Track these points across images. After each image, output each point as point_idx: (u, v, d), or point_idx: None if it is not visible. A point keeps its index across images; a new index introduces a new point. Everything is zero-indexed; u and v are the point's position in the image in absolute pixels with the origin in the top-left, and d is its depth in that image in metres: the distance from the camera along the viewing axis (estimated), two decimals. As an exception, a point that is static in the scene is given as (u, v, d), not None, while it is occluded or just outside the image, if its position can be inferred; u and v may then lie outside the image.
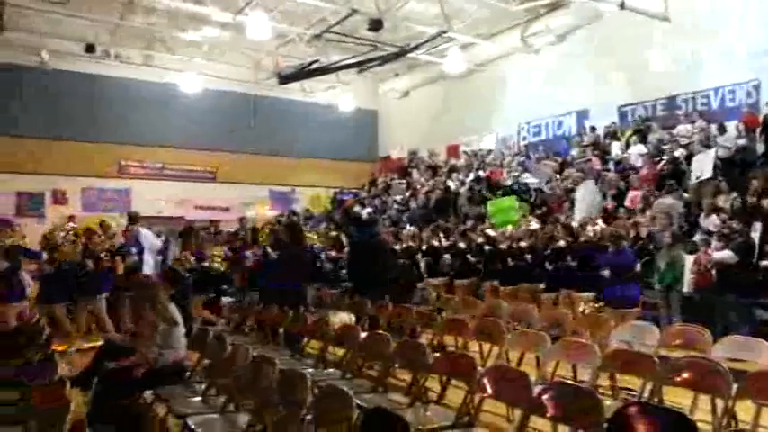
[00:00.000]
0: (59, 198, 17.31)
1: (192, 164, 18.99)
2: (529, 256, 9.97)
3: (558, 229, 9.87)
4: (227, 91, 18.88)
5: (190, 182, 18.88)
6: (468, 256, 11.20)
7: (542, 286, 9.39)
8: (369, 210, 8.97)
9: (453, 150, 18.48)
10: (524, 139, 16.56)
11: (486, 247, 10.95)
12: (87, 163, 17.25)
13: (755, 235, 8.12)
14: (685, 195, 10.37)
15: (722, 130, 11.30)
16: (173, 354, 4.89)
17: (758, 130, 10.90)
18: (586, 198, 11.40)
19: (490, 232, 11.46)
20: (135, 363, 4.80)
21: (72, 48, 16.13)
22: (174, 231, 11.73)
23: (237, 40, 16.19)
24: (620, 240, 8.04)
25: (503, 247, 10.63)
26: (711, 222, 9.00)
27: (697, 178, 10.37)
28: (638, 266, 8.06)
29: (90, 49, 15.87)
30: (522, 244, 10.30)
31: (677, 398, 3.90)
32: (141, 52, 17.28)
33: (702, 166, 10.41)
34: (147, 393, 4.52)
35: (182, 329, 5.03)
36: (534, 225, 10.88)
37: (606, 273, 7.78)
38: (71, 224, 12.39)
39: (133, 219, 10.05)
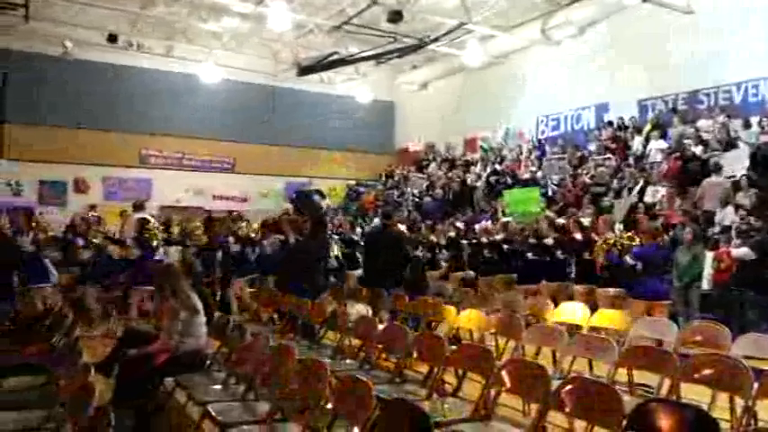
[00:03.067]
0: (81, 187, 17.56)
1: (211, 154, 19.15)
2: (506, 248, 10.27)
3: (544, 226, 9.93)
4: (247, 82, 18.98)
5: (209, 172, 19.05)
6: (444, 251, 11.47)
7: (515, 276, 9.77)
8: (327, 201, 9.00)
9: (471, 143, 18.41)
10: (542, 132, 16.45)
11: (464, 241, 11.19)
12: (108, 152, 17.46)
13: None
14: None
15: (747, 125, 11.14)
16: (193, 342, 4.96)
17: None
18: None
19: (459, 225, 11.90)
20: (156, 350, 4.88)
21: (95, 38, 16.32)
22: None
23: (257, 30, 16.27)
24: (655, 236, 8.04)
25: (483, 240, 10.89)
26: (727, 217, 8.94)
27: (728, 177, 10.22)
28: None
29: (112, 39, 16.03)
30: (498, 237, 10.62)
31: (695, 395, 3.88)
32: (162, 42, 17.42)
33: (734, 164, 10.31)
34: (168, 381, 4.60)
35: (202, 318, 5.10)
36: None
37: (639, 265, 7.80)
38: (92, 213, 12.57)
39: (138, 207, 10.17)
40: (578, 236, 9.12)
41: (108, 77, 17.28)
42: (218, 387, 4.43)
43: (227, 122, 18.84)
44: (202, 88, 18.16)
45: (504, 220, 11.57)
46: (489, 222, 11.96)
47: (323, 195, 8.75)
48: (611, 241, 8.33)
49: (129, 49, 16.92)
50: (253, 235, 10.61)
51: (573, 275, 9.09)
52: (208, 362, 5.01)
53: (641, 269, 7.71)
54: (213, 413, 3.77)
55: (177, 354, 4.85)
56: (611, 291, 8.04)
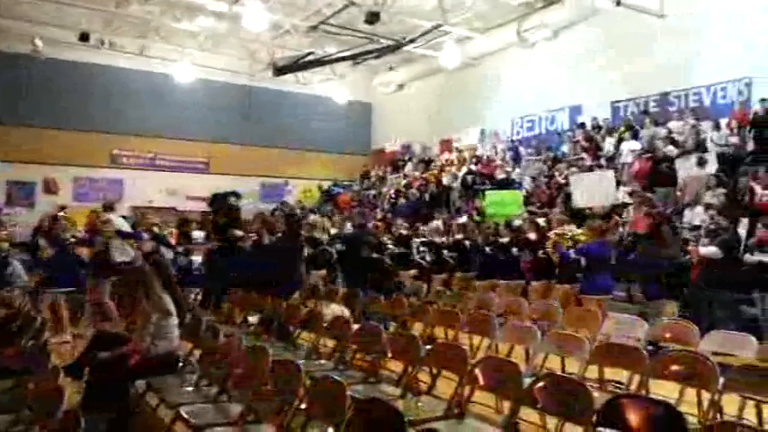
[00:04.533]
0: (51, 187, 17.25)
1: (184, 154, 18.96)
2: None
3: (502, 228, 10.30)
4: (222, 81, 18.85)
5: (183, 172, 18.85)
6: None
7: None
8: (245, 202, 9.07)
9: (446, 144, 18.51)
10: (518, 133, 16.61)
11: (417, 240, 11.37)
12: (79, 152, 17.18)
13: (742, 231, 8.21)
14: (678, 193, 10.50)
15: (717, 127, 11.39)
16: (166, 344, 4.90)
17: (748, 128, 11.02)
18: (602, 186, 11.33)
19: (406, 225, 12.20)
20: (127, 353, 4.81)
21: (66, 36, 16.03)
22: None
23: (233, 30, 16.14)
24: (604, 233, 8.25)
25: (435, 239, 11.19)
26: (697, 217, 9.16)
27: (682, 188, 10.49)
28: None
29: (84, 37, 15.76)
30: (459, 236, 10.87)
31: (664, 391, 3.96)
32: (136, 42, 17.19)
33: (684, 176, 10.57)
34: (140, 383, 4.54)
35: (175, 320, 5.04)
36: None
37: (582, 261, 7.94)
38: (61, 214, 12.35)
39: (108, 208, 10.07)
40: (532, 235, 9.44)
41: (79, 77, 17.02)
42: (190, 389, 4.38)
43: (201, 122, 18.67)
44: (176, 88, 17.97)
45: (462, 220, 11.78)
46: (440, 222, 12.11)
47: (238, 196, 8.74)
48: (561, 236, 8.59)
49: (101, 47, 16.67)
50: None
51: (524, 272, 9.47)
52: (180, 364, 4.95)
53: (585, 265, 7.84)
54: (185, 415, 3.73)
55: (149, 356, 4.79)
56: (566, 286, 8.32)
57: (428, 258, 10.86)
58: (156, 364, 4.73)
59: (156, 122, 18.12)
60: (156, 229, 9.34)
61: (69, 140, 16.96)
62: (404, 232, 11.76)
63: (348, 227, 12.42)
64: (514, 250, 9.55)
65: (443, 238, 11.35)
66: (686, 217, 9.83)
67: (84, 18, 15.70)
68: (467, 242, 10.50)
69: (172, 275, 5.56)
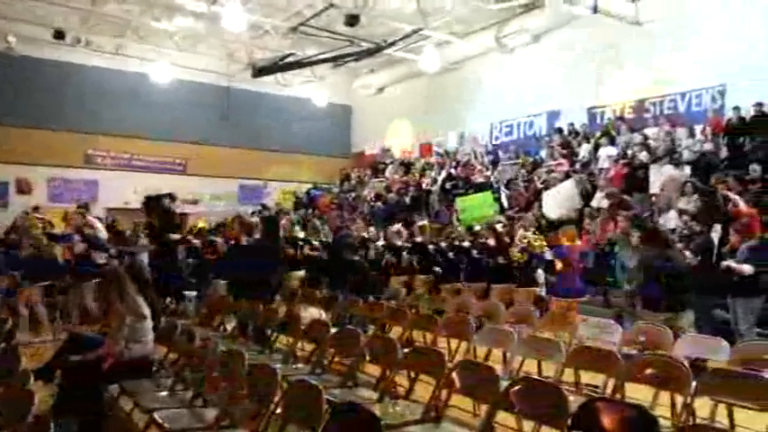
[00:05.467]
0: (24, 187, 16.91)
1: (161, 155, 18.74)
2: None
3: (461, 232, 10.66)
4: (200, 82, 18.68)
5: (159, 173, 18.59)
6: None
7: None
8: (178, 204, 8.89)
9: (426, 148, 18.57)
10: (496, 138, 16.73)
11: (379, 243, 11.42)
12: (53, 152, 16.88)
13: (716, 236, 8.35)
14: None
15: (692, 133, 11.59)
16: (140, 347, 4.83)
17: (721, 135, 11.23)
18: (563, 195, 11.60)
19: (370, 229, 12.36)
20: (101, 356, 4.74)
21: (41, 34, 15.72)
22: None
23: (211, 30, 16.00)
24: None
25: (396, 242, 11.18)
26: (670, 221, 9.33)
27: (661, 189, 10.67)
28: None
29: (59, 35, 15.50)
30: (418, 239, 11.01)
31: (638, 394, 4.00)
32: (112, 41, 16.95)
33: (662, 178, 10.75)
34: (113, 387, 4.47)
35: (149, 323, 4.98)
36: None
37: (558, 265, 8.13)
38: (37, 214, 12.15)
39: (83, 209, 9.95)
40: (491, 241, 9.66)
41: (54, 75, 16.73)
42: (164, 393, 4.33)
43: (179, 123, 18.47)
44: (154, 88, 17.76)
45: (421, 223, 11.89)
46: (400, 225, 12.20)
47: (173, 198, 8.59)
48: (526, 241, 8.98)
49: (77, 46, 16.40)
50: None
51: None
52: (154, 368, 4.89)
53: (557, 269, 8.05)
54: (159, 420, 3.68)
55: (123, 359, 4.72)
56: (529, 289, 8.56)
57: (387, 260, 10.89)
58: (130, 368, 4.67)
59: (132, 123, 17.87)
60: (87, 231, 9.12)
61: (43, 140, 16.65)
62: (365, 235, 11.77)
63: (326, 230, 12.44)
64: (475, 253, 9.75)
65: (400, 242, 11.39)
66: (661, 220, 9.98)
67: (59, 16, 15.44)
68: (430, 246, 10.60)
69: (148, 279, 5.50)
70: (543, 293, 8.58)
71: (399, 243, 10.96)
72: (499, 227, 10.27)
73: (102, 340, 5.04)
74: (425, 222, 12.05)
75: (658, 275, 6.97)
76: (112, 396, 4.43)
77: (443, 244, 10.56)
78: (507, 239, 9.52)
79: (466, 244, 10.04)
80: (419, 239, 10.92)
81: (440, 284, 9.67)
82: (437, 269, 9.90)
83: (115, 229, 10.99)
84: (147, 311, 4.98)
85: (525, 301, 7.96)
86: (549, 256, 8.67)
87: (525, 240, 9.05)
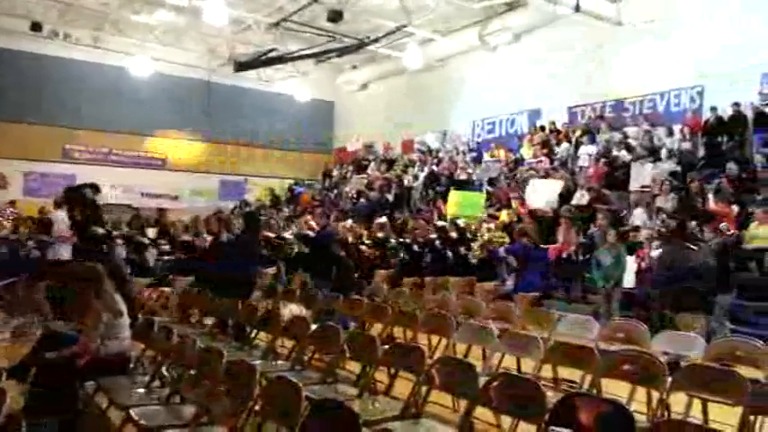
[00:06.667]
0: (-1, 182, 16.63)
1: (140, 150, 18.54)
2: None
3: (430, 227, 10.98)
4: (180, 76, 18.49)
5: (138, 168, 18.42)
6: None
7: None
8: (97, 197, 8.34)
9: (408, 145, 18.58)
10: (478, 135, 16.79)
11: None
12: (30, 146, 16.62)
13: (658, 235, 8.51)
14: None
15: (670, 133, 11.74)
16: (116, 344, 4.76)
17: (699, 134, 11.40)
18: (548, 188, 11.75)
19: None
20: (76, 353, 4.66)
21: (18, 25, 15.47)
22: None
23: (193, 24, 15.85)
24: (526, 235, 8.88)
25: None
26: (638, 218, 9.65)
27: (642, 186, 10.80)
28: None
29: (36, 27, 15.24)
30: (380, 235, 11.31)
31: (615, 389, 4.04)
32: (91, 33, 16.71)
33: (646, 174, 10.87)
34: (89, 384, 4.40)
35: (126, 320, 4.91)
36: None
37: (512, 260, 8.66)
38: (11, 209, 11.94)
39: (59, 204, 9.73)
40: (453, 234, 10.03)
41: (31, 68, 16.47)
42: (141, 390, 4.27)
43: (159, 118, 18.29)
44: (133, 82, 17.55)
45: (381, 221, 12.01)
46: (350, 221, 12.30)
47: (97, 189, 8.07)
48: (486, 237, 9.41)
49: (54, 38, 16.14)
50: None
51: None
52: (132, 365, 4.83)
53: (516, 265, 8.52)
54: (136, 417, 3.64)
55: (99, 356, 4.65)
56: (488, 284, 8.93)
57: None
58: (107, 365, 4.60)
59: (111, 117, 17.65)
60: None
61: (20, 133, 16.38)
62: (310, 234, 11.76)
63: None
64: (438, 245, 10.06)
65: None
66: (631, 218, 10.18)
67: (37, 8, 15.19)
68: (392, 240, 10.81)
69: (125, 275, 5.44)
70: (506, 288, 8.81)
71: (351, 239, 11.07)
72: (461, 222, 10.71)
73: (78, 337, 4.96)
74: (384, 219, 12.19)
75: (679, 275, 6.71)
76: (88, 393, 4.36)
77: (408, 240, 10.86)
78: (469, 234, 9.90)
79: (433, 236, 10.34)
80: (380, 235, 11.03)
81: (401, 278, 9.80)
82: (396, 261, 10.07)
83: (42, 220, 10.56)
84: (123, 308, 4.92)
85: (485, 295, 8.33)
86: (502, 252, 9.06)
87: (486, 236, 9.33)
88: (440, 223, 10.91)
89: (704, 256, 7.01)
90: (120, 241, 8.09)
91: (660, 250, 7.94)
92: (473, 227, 10.76)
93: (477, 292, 8.82)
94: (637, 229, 9.35)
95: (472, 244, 9.80)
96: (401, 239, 11.16)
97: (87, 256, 7.14)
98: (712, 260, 7.08)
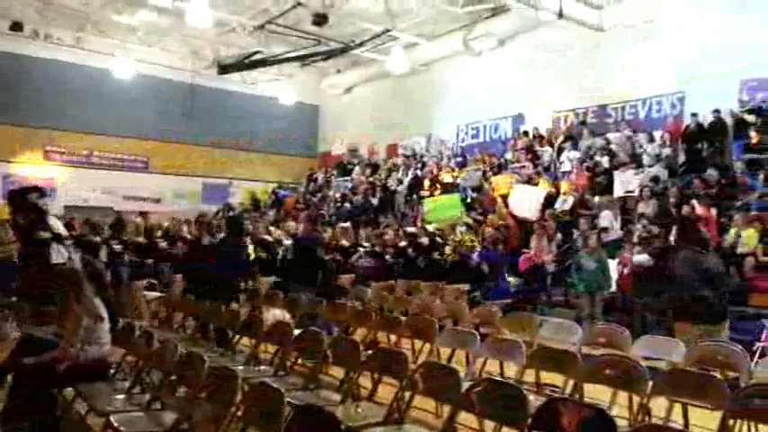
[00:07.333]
0: (-23, 184, 16.34)
1: (122, 152, 18.36)
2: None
3: (400, 233, 11.19)
4: (163, 78, 18.34)
5: (120, 171, 18.23)
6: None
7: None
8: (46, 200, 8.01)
9: (393, 149, 18.59)
10: (462, 140, 16.86)
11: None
12: (9, 148, 16.41)
13: (673, 239, 8.57)
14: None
15: (651, 139, 11.88)
16: (96, 349, 4.70)
17: (680, 141, 11.55)
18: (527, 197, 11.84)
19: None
20: (56, 358, 4.59)
21: (-3, 25, 15.26)
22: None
23: (176, 26, 15.74)
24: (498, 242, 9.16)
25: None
26: (605, 219, 9.91)
27: (626, 192, 10.91)
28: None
29: (17, 27, 15.03)
30: (343, 241, 11.43)
31: (597, 394, 4.07)
32: (73, 34, 16.52)
33: (629, 180, 10.98)
34: (68, 390, 4.34)
35: (107, 324, 4.84)
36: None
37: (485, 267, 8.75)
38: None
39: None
40: (425, 240, 10.15)
41: (11, 68, 16.22)
42: (121, 397, 4.22)
43: (141, 119, 18.12)
44: (115, 83, 17.39)
45: (344, 225, 12.36)
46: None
47: (42, 193, 7.84)
48: (458, 240, 9.56)
49: (35, 39, 15.95)
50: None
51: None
52: (112, 370, 4.77)
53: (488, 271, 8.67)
54: (116, 424, 3.59)
55: (79, 362, 4.58)
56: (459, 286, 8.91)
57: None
58: (86, 371, 4.54)
59: (92, 118, 17.45)
60: None
61: (-1, 135, 16.15)
62: (268, 238, 11.72)
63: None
64: (410, 252, 10.17)
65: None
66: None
67: (17, 7, 14.98)
68: (360, 248, 10.98)
69: (106, 279, 5.37)
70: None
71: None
72: (431, 227, 10.94)
73: (57, 342, 4.89)
74: (347, 224, 12.24)
75: (693, 283, 6.14)
76: (67, 399, 4.30)
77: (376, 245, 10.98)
78: (440, 240, 10.05)
79: (403, 243, 10.46)
80: (343, 241, 11.22)
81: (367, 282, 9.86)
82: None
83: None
84: (104, 313, 4.85)
85: (454, 298, 8.35)
86: (476, 258, 9.15)
87: (457, 240, 9.44)
88: (410, 229, 11.06)
89: (717, 261, 6.59)
90: (68, 242, 7.84)
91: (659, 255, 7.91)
92: (444, 231, 10.93)
93: (446, 295, 8.80)
94: (605, 230, 9.54)
95: (445, 248, 9.90)
96: (366, 245, 11.20)
97: (32, 261, 6.96)
98: (722, 266, 6.65)
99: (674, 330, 6.09)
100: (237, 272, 7.87)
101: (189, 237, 10.16)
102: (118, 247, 9.93)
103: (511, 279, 9.25)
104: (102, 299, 4.96)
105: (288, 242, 9.94)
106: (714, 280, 6.02)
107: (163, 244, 10.58)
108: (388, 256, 10.53)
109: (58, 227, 7.26)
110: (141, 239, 10.59)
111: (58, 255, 7.07)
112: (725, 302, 6.18)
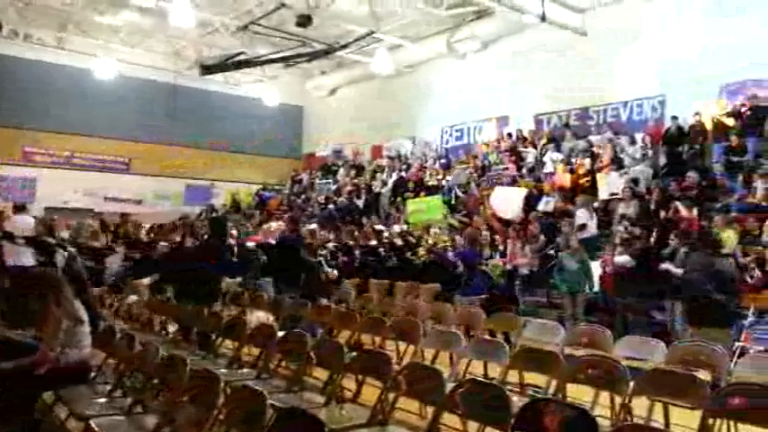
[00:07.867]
0: (-45, 185, 16.11)
1: (104, 153, 18.16)
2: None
3: (369, 232, 11.46)
4: (145, 79, 18.19)
5: (101, 172, 18.04)
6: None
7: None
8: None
9: (378, 150, 18.60)
10: (447, 142, 16.91)
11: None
12: (-12, 148, 16.13)
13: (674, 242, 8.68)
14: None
15: (633, 141, 12.00)
16: (76, 353, 4.63)
17: (661, 143, 11.68)
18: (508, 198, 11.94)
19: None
20: (35, 362, 4.52)
21: (-25, 24, 15.01)
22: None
23: (158, 26, 15.61)
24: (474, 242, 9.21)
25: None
26: (581, 217, 10.04)
27: (610, 195, 11.00)
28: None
29: (-5, 26, 14.83)
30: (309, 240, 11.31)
31: (580, 394, 4.10)
32: (54, 34, 16.34)
33: (614, 182, 11.08)
34: (48, 394, 4.28)
35: (87, 327, 4.78)
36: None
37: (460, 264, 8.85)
38: None
39: (18, 208, 9.54)
40: (398, 241, 10.37)
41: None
42: (102, 400, 4.17)
43: (122, 120, 17.95)
44: (97, 84, 17.21)
45: (311, 227, 12.20)
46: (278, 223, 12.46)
47: None
48: (432, 243, 9.69)
49: (15, 38, 15.73)
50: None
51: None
52: (93, 374, 4.71)
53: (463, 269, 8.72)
54: (96, 428, 3.55)
55: (59, 365, 4.52)
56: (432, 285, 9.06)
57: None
58: (66, 374, 4.47)
59: (73, 119, 17.25)
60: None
61: (-23, 135, 15.90)
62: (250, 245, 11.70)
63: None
64: (381, 251, 10.34)
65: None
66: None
67: (-4, 6, 14.78)
68: (330, 244, 11.10)
69: (86, 282, 5.30)
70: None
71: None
72: (403, 227, 11.01)
73: (37, 345, 4.81)
74: (314, 226, 12.24)
75: (703, 288, 6.08)
76: (46, 403, 4.24)
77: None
78: (413, 240, 10.15)
79: (373, 242, 10.67)
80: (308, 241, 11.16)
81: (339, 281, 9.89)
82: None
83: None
84: (84, 315, 4.79)
85: (432, 297, 8.55)
86: (451, 256, 9.27)
87: (430, 241, 9.53)
88: (378, 227, 11.31)
89: (728, 263, 6.44)
90: (21, 241, 7.72)
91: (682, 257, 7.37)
92: (417, 233, 11.07)
93: (421, 294, 8.96)
94: (583, 227, 9.69)
95: (418, 249, 10.00)
96: (331, 245, 11.20)
97: None
98: (733, 268, 6.50)
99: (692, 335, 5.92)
100: (224, 272, 7.82)
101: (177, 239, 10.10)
102: (73, 249, 9.85)
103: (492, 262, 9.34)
104: (82, 301, 4.90)
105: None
106: (726, 282, 5.88)
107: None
108: (357, 252, 10.61)
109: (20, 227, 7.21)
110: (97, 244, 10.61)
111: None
112: (735, 305, 6.03)
